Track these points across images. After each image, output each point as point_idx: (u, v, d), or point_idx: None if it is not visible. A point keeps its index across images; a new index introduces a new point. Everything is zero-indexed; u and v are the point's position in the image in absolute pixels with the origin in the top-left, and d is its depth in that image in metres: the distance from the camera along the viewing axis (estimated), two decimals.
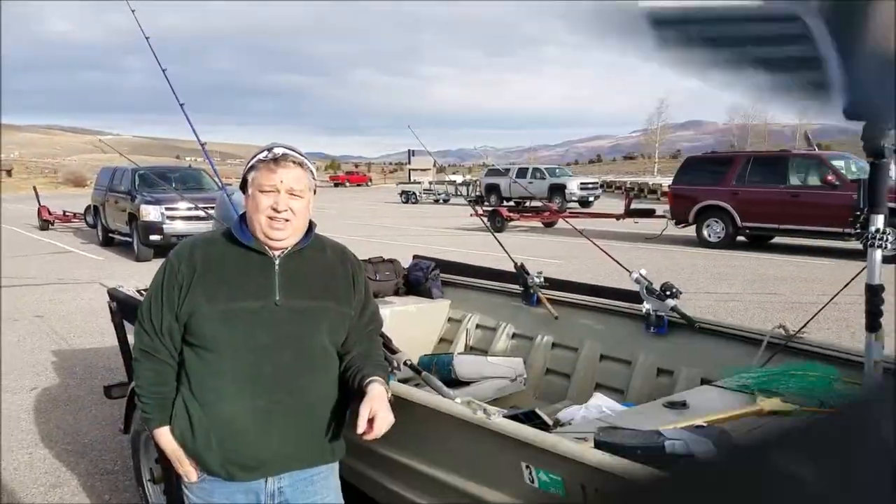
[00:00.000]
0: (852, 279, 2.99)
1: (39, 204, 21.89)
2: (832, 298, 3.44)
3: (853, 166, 13.75)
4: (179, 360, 2.05)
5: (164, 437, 2.04)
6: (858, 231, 1.93)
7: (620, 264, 4.22)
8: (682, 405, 2.48)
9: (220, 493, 2.02)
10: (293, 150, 2.05)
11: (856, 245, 12.15)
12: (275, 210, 1.97)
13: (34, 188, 25.72)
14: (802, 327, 3.08)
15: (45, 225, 21.38)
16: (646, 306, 3.54)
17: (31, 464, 4.31)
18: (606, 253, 4.72)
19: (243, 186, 2.08)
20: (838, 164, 13.61)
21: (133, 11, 3.94)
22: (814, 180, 13.62)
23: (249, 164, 2.04)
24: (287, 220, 1.99)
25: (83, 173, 74.00)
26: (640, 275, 3.59)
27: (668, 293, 3.49)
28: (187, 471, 2.04)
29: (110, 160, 19.72)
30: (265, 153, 2.02)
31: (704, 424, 2.07)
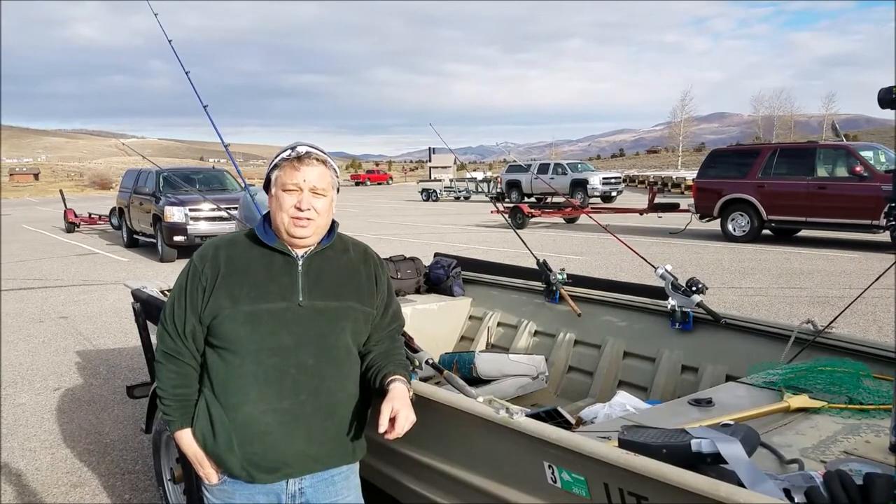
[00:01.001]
0: (885, 272, 2.92)
1: (66, 207, 22.25)
2: (863, 292, 3.37)
3: (882, 157, 13.50)
4: (202, 361, 2.04)
5: (186, 438, 2.03)
6: (892, 224, 1.86)
7: (645, 260, 4.16)
8: (708, 402, 2.44)
9: (240, 494, 2.01)
10: (316, 149, 2.04)
11: (884, 237, 11.85)
12: (298, 209, 1.96)
13: (60, 191, 26.20)
14: (831, 322, 3.00)
15: (71, 227, 21.74)
16: (671, 302, 3.49)
17: (53, 464, 4.35)
18: (631, 248, 4.66)
19: (267, 186, 2.07)
20: (867, 154, 13.37)
21: (156, 15, 3.95)
22: (841, 172, 13.41)
23: (273, 163, 2.04)
24: (310, 219, 1.98)
25: (108, 176, 75.10)
26: (666, 270, 3.54)
27: (693, 289, 3.43)
28: (208, 473, 2.03)
29: (135, 163, 19.97)
30: (288, 152, 2.01)
31: (731, 422, 2.02)
